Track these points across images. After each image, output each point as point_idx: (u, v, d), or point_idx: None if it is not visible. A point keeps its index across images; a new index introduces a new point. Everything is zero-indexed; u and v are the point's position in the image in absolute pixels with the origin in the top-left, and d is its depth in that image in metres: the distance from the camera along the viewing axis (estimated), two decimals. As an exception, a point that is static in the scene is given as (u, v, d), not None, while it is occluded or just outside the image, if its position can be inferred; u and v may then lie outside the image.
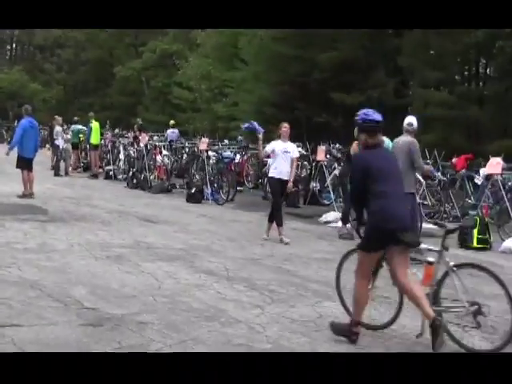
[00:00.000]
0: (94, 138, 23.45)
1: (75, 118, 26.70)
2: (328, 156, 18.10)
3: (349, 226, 12.33)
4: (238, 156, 21.06)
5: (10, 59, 63.11)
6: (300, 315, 6.71)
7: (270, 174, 12.19)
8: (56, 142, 23.58)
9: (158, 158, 20.67)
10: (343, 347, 5.78)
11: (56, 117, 24.79)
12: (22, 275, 7.60)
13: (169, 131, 26.61)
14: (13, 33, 62.82)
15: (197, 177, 18.92)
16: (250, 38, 27.49)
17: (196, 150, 21.49)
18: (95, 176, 22.83)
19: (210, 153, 18.97)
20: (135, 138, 23.75)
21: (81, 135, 25.27)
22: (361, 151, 6.46)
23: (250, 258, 9.80)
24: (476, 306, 5.70)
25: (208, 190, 17.33)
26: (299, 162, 16.86)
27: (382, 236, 5.75)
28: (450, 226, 6.71)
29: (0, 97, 51.19)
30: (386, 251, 5.90)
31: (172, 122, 27.62)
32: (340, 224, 12.80)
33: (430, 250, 6.24)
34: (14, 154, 16.07)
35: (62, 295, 6.85)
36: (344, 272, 6.57)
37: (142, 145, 21.22)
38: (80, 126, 25.52)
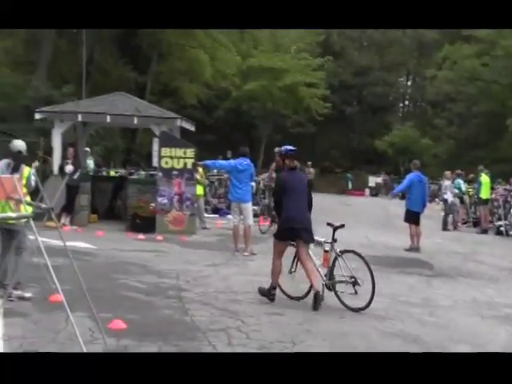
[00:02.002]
0: (484, 193, 22.79)
1: (459, 171, 26.32)
2: None
3: None
4: None
5: (402, 116, 65.62)
6: None
7: None
8: (445, 196, 23.51)
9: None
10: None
11: (446, 172, 24.81)
12: (405, 329, 7.54)
13: None
14: (406, 91, 65.39)
15: None
16: None
17: None
18: (485, 231, 22.09)
19: None
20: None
21: (470, 189, 24.82)
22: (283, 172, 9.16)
23: None
24: (353, 279, 8.46)
25: None
26: None
27: (287, 231, 8.66)
28: None
29: (392, 152, 53.37)
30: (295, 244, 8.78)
31: None
32: None
33: (325, 242, 8.88)
34: (403, 207, 16.43)
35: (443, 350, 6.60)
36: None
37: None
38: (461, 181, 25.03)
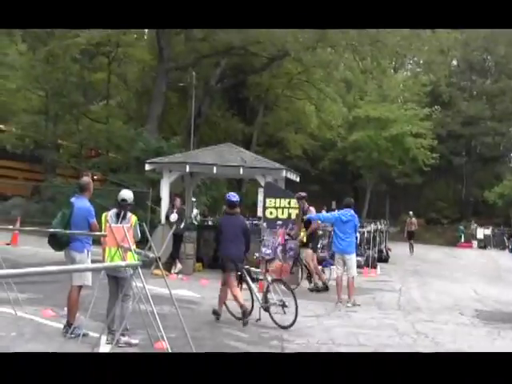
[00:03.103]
0: None
1: None
2: None
3: None
4: None
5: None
6: None
7: None
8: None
9: None
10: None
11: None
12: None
13: None
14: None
15: None
16: None
17: None
18: None
19: None
20: None
21: None
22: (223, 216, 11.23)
23: None
24: (282, 302, 10.33)
25: None
26: None
27: (223, 263, 10.57)
28: None
29: (502, 204, 51.52)
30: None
31: None
32: None
33: (260, 272, 10.89)
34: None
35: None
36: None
37: None
38: None
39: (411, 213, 32.37)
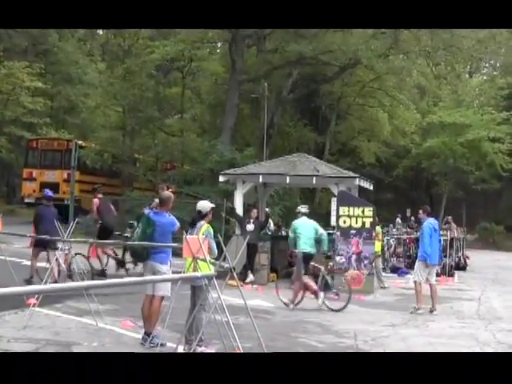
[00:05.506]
0: None
1: None
2: None
3: None
4: None
5: None
6: None
7: None
8: None
9: None
10: None
11: None
12: None
13: None
14: None
15: None
16: None
17: None
18: None
19: None
20: None
21: None
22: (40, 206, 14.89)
23: None
24: (81, 271, 11.92)
25: None
26: None
27: (39, 242, 13.93)
28: None
29: None
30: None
31: None
32: None
33: (65, 249, 12.04)
34: None
35: None
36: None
37: None
38: None
39: (450, 217, 27.76)
